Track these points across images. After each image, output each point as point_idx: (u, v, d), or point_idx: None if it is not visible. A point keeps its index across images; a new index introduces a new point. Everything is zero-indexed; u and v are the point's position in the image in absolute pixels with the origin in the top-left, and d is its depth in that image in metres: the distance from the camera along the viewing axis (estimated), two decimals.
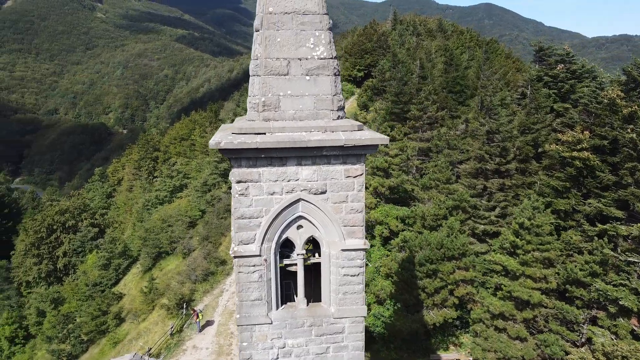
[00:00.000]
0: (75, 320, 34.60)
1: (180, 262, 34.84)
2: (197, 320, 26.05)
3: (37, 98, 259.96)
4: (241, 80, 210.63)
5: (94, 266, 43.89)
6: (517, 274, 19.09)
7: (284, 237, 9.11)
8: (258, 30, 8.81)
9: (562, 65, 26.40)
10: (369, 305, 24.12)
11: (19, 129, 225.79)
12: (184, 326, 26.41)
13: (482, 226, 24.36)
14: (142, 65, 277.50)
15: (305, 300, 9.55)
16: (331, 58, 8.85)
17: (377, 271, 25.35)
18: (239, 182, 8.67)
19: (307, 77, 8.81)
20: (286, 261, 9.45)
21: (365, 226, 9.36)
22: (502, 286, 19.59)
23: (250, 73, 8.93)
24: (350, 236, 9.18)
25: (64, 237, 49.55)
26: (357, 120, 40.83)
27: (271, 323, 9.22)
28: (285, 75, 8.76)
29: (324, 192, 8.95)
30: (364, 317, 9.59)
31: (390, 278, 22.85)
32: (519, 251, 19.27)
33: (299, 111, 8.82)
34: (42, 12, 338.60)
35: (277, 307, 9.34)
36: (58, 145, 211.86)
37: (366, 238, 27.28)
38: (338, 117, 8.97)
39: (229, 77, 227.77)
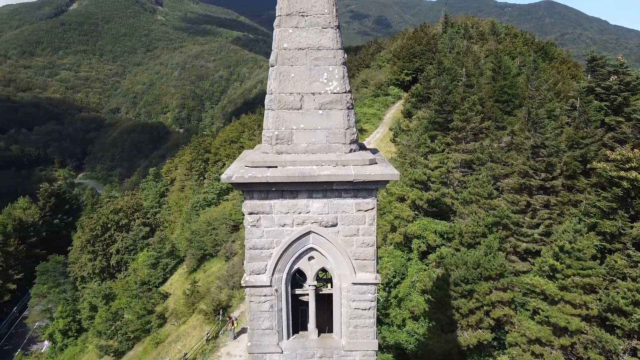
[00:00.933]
0: (123, 317, 36.31)
1: (223, 265, 35.75)
2: (233, 327, 26.61)
3: (101, 97, 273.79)
4: None
5: (143, 265, 45.84)
6: (556, 299, 18.28)
7: (295, 267, 9.20)
8: (273, 66, 8.94)
9: (616, 76, 24.95)
10: (403, 320, 23.85)
11: (83, 127, 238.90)
12: (220, 332, 27.11)
13: (525, 244, 23.48)
14: (199, 67, 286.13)
15: (317, 330, 9.59)
16: (344, 92, 8.86)
17: (413, 286, 25.01)
18: (250, 213, 8.84)
19: (320, 111, 8.86)
20: (298, 291, 9.53)
21: (376, 260, 9.28)
22: (540, 310, 18.82)
23: (265, 107, 9.07)
24: (362, 270, 9.13)
25: (118, 235, 51.95)
26: (400, 127, 40.43)
27: (282, 352, 9.33)
28: (298, 109, 8.84)
29: (334, 225, 8.96)
30: (375, 351, 9.50)
31: (425, 294, 22.49)
32: (558, 275, 18.43)
33: (312, 144, 8.88)
34: (106, 14, 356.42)
35: (288, 337, 9.44)
36: (119, 143, 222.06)
37: (404, 252, 26.85)
38: (350, 151, 8.95)
39: None
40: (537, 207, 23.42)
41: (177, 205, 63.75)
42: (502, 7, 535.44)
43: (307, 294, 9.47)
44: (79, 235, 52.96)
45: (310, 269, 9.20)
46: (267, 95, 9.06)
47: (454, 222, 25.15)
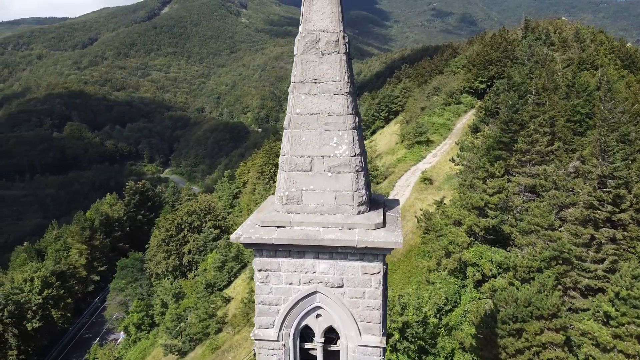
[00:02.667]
0: (187, 319, 38.40)
1: None
2: None
3: (187, 97, 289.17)
4: (367, 84, 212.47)
5: (211, 266, 48.07)
6: (609, 347, 16.96)
7: (303, 324, 9.41)
8: (286, 129, 9.20)
9: None
10: (452, 350, 23.24)
11: (171, 125, 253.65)
12: None
13: (587, 280, 21.97)
14: (279, 68, 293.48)
15: None
16: (353, 156, 8.93)
17: (464, 315, 24.25)
18: (260, 270, 9.17)
19: (329, 174, 8.99)
20: (307, 345, 9.73)
21: (383, 323, 9.26)
22: (591, 358, 17.55)
23: (279, 167, 9.36)
24: (367, 332, 9.17)
25: (190, 236, 54.83)
26: (467, 139, 39.14)
27: None
28: (308, 171, 9.04)
29: (340, 287, 9.07)
30: None
31: (473, 327, 21.73)
32: (612, 322, 17.08)
33: (320, 205, 9.05)
34: (194, 18, 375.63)
35: None
36: (203, 140, 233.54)
37: (458, 278, 26.34)
38: (358, 212, 9.01)
39: (356, 79, 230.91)
40: (602, 242, 21.81)
41: (248, 207, 65.98)
42: (597, 3, 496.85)
43: (316, 349, 9.66)
44: (155, 234, 56.53)
45: (317, 326, 9.38)
46: (280, 157, 9.35)
47: (511, 252, 24.05)
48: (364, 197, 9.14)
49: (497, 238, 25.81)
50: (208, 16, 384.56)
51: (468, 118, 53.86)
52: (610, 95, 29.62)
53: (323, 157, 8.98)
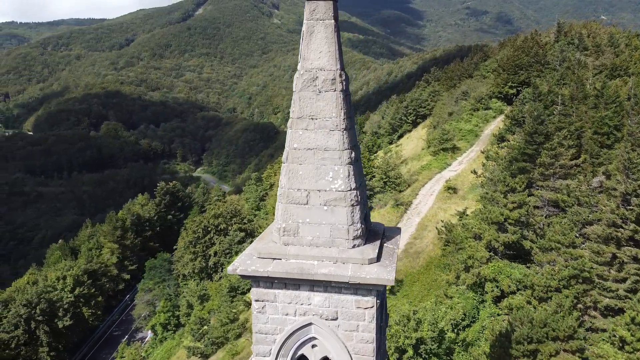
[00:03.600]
0: (210, 322, 39.16)
1: None
2: None
3: (219, 98, 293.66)
4: (398, 84, 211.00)
5: None
6: None
7: (299, 353, 9.60)
8: (284, 163, 9.41)
9: None
10: None
11: (203, 125, 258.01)
12: None
13: (607, 300, 21.39)
14: None
15: None
16: (348, 190, 9.06)
17: (482, 331, 23.96)
18: (257, 300, 9.42)
19: (325, 208, 9.16)
20: None
21: (376, 356, 9.35)
22: None
23: (277, 199, 9.58)
24: None
25: (216, 239, 55.77)
26: (492, 149, 38.54)
27: None
28: (305, 204, 9.23)
29: (335, 319, 9.23)
30: None
31: (488, 345, 21.46)
32: (627, 347, 16.61)
33: (316, 238, 9.22)
34: (227, 19, 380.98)
35: None
36: (234, 140, 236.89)
37: (477, 293, 26.09)
38: (353, 246, 9.14)
39: (387, 80, 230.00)
40: (625, 260, 21.19)
41: (274, 210, 66.57)
42: (637, 2, 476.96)
43: None
44: (183, 236, 57.78)
45: (313, 355, 9.55)
46: (278, 189, 9.58)
47: (531, 268, 23.62)
48: (359, 231, 9.26)
49: (518, 253, 25.38)
50: (240, 17, 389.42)
51: (496, 125, 52.99)
52: (638, 108, 28.60)
53: (319, 191, 9.16)
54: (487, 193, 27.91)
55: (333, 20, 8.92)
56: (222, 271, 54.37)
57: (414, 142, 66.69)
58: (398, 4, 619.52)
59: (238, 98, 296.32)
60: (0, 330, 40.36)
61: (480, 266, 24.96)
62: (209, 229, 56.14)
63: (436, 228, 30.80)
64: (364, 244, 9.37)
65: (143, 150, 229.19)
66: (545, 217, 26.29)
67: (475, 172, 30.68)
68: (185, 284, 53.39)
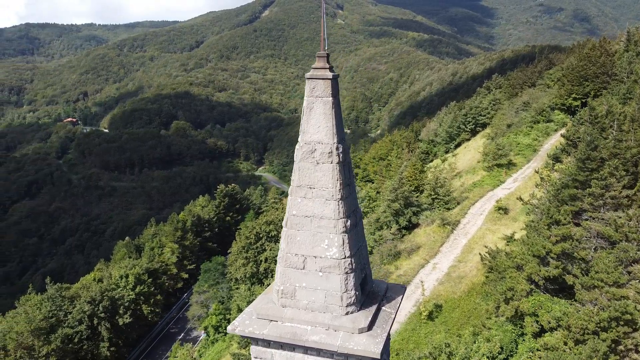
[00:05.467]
0: None
1: None
2: None
3: (282, 98, 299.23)
4: (462, 85, 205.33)
5: None
6: None
7: None
8: (284, 228, 9.87)
9: None
10: None
11: (266, 125, 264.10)
12: None
13: None
14: (371, 69, 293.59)
15: None
16: (343, 258, 9.36)
17: None
18: (255, 357, 9.96)
19: (320, 274, 9.52)
20: None
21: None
22: None
23: (277, 261, 10.07)
24: None
25: (267, 245, 57.28)
26: (544, 172, 36.95)
27: None
28: (301, 269, 9.64)
29: None
30: None
31: None
32: None
33: (312, 302, 9.60)
34: (292, 21, 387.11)
35: None
36: (294, 141, 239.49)
37: (516, 326, 25.68)
38: (346, 313, 9.43)
39: (450, 80, 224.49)
40: None
41: None
42: None
43: None
44: (237, 241, 59.76)
45: None
46: (279, 252, 10.06)
47: (573, 305, 22.57)
48: (353, 298, 9.53)
49: (561, 287, 24.33)
50: (305, 18, 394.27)
51: (557, 139, 50.64)
52: None
53: (315, 257, 9.54)
54: (532, 221, 26.91)
55: (331, 98, 9.25)
56: (272, 277, 55.77)
57: (471, 153, 64.97)
58: (467, 2, 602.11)
59: (299, 99, 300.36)
60: (66, 326, 43.75)
61: (520, 299, 24.19)
62: (261, 235, 57.69)
63: (479, 254, 30.08)
64: (358, 311, 9.63)
65: (209, 148, 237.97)
66: (594, 250, 24.96)
67: (521, 199, 29.65)
68: (237, 288, 55.22)
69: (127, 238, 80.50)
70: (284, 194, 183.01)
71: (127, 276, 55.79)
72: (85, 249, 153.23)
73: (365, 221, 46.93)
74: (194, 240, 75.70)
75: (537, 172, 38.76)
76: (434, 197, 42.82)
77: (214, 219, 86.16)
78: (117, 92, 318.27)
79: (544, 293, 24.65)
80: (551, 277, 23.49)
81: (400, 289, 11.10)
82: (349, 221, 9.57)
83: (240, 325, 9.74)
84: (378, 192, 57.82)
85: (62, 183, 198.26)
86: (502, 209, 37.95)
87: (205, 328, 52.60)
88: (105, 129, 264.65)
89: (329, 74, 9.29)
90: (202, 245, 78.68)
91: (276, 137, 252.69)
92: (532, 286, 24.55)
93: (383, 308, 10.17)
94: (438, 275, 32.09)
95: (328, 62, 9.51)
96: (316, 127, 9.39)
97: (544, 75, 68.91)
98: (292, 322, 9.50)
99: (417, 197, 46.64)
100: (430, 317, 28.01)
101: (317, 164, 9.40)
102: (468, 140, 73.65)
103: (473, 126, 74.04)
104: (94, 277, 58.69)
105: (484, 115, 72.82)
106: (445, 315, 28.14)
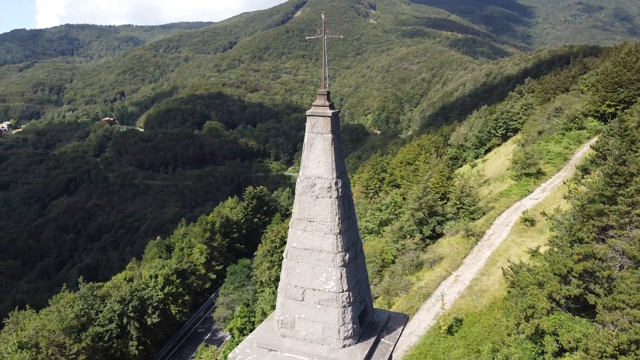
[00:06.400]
0: None
1: None
2: None
3: (312, 99, 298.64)
4: (497, 86, 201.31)
5: None
6: None
7: None
8: (284, 259, 10.12)
9: None
10: None
11: (295, 125, 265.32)
12: None
13: None
14: (402, 69, 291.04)
15: None
16: (340, 292, 9.54)
17: None
18: None
19: (319, 306, 9.72)
20: None
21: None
22: None
23: (278, 292, 10.32)
24: None
25: None
26: (571, 185, 36.05)
27: None
28: (301, 300, 9.87)
29: None
30: None
31: None
32: None
33: (310, 334, 9.81)
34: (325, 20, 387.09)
35: None
36: None
37: (537, 344, 25.45)
38: (344, 346, 9.60)
39: (484, 81, 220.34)
40: None
41: None
42: None
43: None
44: (262, 244, 60.53)
45: None
46: (279, 282, 10.31)
47: (594, 325, 21.99)
48: (350, 332, 9.69)
49: (584, 306, 23.71)
50: (337, 18, 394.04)
51: (588, 148, 49.28)
52: None
53: (314, 289, 9.74)
54: (556, 237, 26.34)
55: (331, 134, 9.44)
56: None
57: (501, 159, 63.79)
58: (503, 0, 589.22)
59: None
60: (96, 324, 45.31)
61: (541, 317, 23.73)
62: (286, 239, 58.12)
63: (502, 268, 29.63)
64: (355, 343, 9.78)
65: (240, 148, 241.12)
66: (619, 269, 24.24)
67: (544, 214, 28.97)
68: (262, 291, 55.92)
69: (158, 238, 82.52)
70: None
71: (156, 276, 57.25)
72: (120, 246, 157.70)
73: (388, 229, 46.89)
74: (222, 241, 76.91)
75: (565, 183, 37.89)
76: (459, 206, 42.34)
77: (242, 221, 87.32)
78: (153, 92, 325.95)
79: (566, 312, 24.12)
80: (572, 296, 22.96)
81: (402, 319, 11.20)
82: (348, 255, 9.73)
83: (241, 353, 10.04)
84: (404, 198, 57.49)
85: (98, 181, 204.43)
86: (528, 221, 37.21)
87: (231, 330, 53.49)
88: (141, 128, 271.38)
89: (329, 112, 9.49)
90: (230, 246, 79.83)
91: None
92: (553, 304, 24.05)
93: (382, 340, 10.30)
94: (460, 288, 31.78)
95: (328, 99, 9.72)
96: (316, 162, 9.59)
97: (578, 80, 66.98)
98: (290, 352, 9.75)
99: (442, 205, 46.23)
100: (450, 331, 27.78)
101: (317, 198, 9.60)
102: (499, 145, 72.34)
103: (504, 131, 72.67)
104: (125, 276, 60.46)
105: (516, 120, 71.37)
106: (465, 329, 27.86)
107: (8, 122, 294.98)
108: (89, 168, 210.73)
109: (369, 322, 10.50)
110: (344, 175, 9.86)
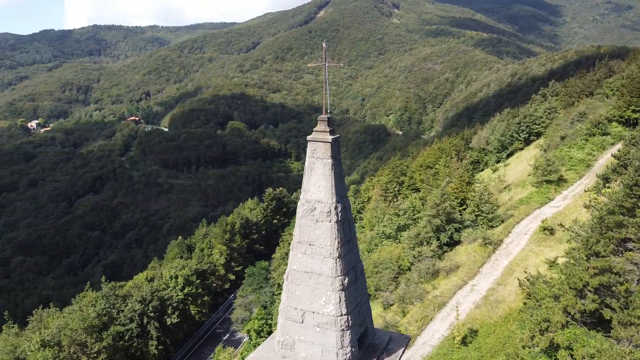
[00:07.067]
0: None
1: (382, 311, 37.30)
2: None
3: (334, 99, 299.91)
4: (522, 87, 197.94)
5: None
6: None
7: None
8: (285, 281, 10.31)
9: None
10: None
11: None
12: None
13: None
14: (426, 69, 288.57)
15: None
16: (339, 316, 9.67)
17: None
18: None
19: (318, 329, 9.87)
20: None
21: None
22: None
23: (279, 313, 10.50)
24: None
25: None
26: (591, 195, 35.29)
27: None
28: (300, 323, 10.03)
29: None
30: None
31: None
32: None
33: (310, 356, 9.97)
34: (346, 21, 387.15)
35: None
36: (344, 142, 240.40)
37: (551, 358, 25.37)
38: None
39: (509, 82, 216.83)
40: None
41: (370, 224, 67.34)
42: None
43: None
44: (280, 247, 60.96)
45: None
46: (280, 304, 10.49)
47: (608, 340, 21.56)
48: (348, 355, 9.79)
49: (600, 320, 23.25)
50: (360, 18, 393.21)
51: (608, 156, 48.23)
52: None
53: (313, 312, 9.90)
54: (573, 249, 25.88)
55: (331, 159, 9.58)
56: None
57: (523, 164, 62.84)
58: None
59: (351, 100, 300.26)
60: (117, 323, 46.35)
61: (556, 331, 23.38)
62: None
63: (518, 279, 29.26)
64: None
65: (261, 148, 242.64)
66: (637, 283, 23.69)
67: (562, 226, 28.47)
68: (279, 293, 56.27)
69: (179, 237, 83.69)
70: None
71: (176, 277, 58.18)
72: (144, 243, 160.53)
73: (405, 234, 46.71)
74: (241, 242, 77.65)
75: (586, 191, 37.16)
76: (477, 213, 41.91)
77: (262, 222, 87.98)
78: (178, 92, 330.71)
79: (581, 326, 23.70)
80: (587, 311, 22.55)
81: (404, 340, 11.26)
82: (347, 278, 9.85)
83: None
84: (424, 202, 57.15)
85: (124, 179, 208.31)
86: (547, 230, 36.60)
87: (248, 331, 53.95)
88: (165, 127, 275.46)
89: (329, 138, 9.63)
90: (250, 247, 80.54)
91: None
92: (569, 318, 23.66)
93: None
94: (475, 298, 31.50)
95: (329, 125, 9.85)
96: (316, 186, 9.74)
97: (603, 84, 65.42)
98: None
99: (461, 211, 45.83)
100: (464, 342, 27.58)
101: (317, 221, 9.75)
102: (521, 149, 71.28)
103: (527, 135, 71.56)
104: (146, 275, 61.60)
105: (539, 124, 70.20)
106: (479, 340, 27.64)
107: (37, 121, 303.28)
108: (115, 167, 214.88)
109: (369, 344, 10.60)
110: (344, 199, 9.98)
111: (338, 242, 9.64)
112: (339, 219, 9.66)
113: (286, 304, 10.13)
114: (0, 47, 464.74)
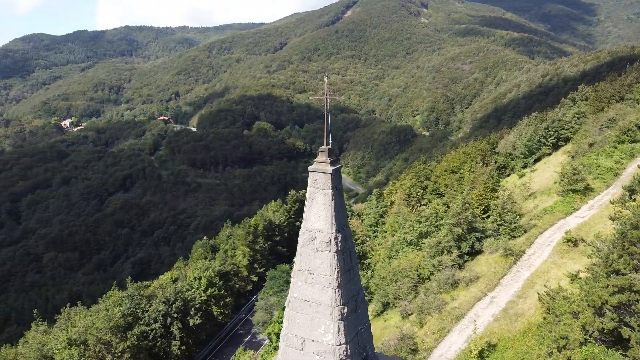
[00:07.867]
0: None
1: (399, 320, 37.19)
2: None
3: (360, 100, 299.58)
4: (553, 88, 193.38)
5: None
6: None
7: None
8: (286, 308, 10.53)
9: None
10: None
11: (342, 126, 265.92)
12: None
13: None
14: (454, 69, 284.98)
15: None
16: (338, 345, 9.83)
17: None
18: None
19: (317, 357, 10.05)
20: None
21: None
22: None
23: (280, 339, 10.73)
24: None
25: None
26: (615, 207, 34.32)
27: None
28: (300, 350, 10.24)
29: None
30: None
31: None
32: None
33: None
34: (374, 21, 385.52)
35: None
36: (370, 142, 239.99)
37: None
38: None
39: (540, 83, 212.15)
40: None
41: (392, 229, 67.11)
42: None
43: None
44: None
45: None
46: (282, 330, 10.72)
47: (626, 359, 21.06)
48: None
49: (618, 339, 22.69)
50: (387, 18, 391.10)
51: (630, 174, 46.88)
52: None
53: (313, 340, 10.09)
54: (594, 264, 25.33)
55: (331, 190, 9.75)
56: None
57: (550, 170, 61.56)
58: None
59: (378, 100, 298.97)
60: (142, 323, 47.48)
61: (574, 349, 22.95)
62: None
63: (537, 293, 28.79)
64: None
65: (287, 148, 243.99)
66: None
67: (584, 241, 27.80)
68: None
69: (204, 238, 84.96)
70: (357, 196, 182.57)
71: (199, 278, 59.15)
72: (171, 241, 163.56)
73: (427, 241, 46.41)
74: (264, 244, 78.33)
75: (612, 203, 36.21)
76: (499, 222, 41.34)
77: (285, 224, 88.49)
78: (206, 93, 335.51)
79: (599, 344, 23.21)
80: (606, 329, 22.08)
81: None
82: (347, 308, 10.01)
83: None
84: (447, 208, 56.65)
85: (153, 178, 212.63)
86: (571, 241, 35.80)
87: (269, 334, 54.50)
88: (193, 127, 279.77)
89: (329, 169, 9.80)
90: (272, 249, 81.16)
91: (352, 139, 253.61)
92: (587, 336, 23.19)
93: None
94: (494, 311, 31.13)
95: (330, 156, 10.01)
96: (317, 216, 9.93)
97: (634, 88, 63.48)
98: None
99: (483, 219, 45.27)
100: (481, 355, 27.33)
101: (317, 251, 9.94)
102: (549, 155, 69.82)
103: (554, 140, 70.04)
104: (171, 275, 62.85)
105: (567, 129, 68.62)
106: (496, 355, 27.34)
107: (70, 120, 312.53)
108: (145, 166, 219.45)
109: None
110: (344, 229, 10.14)
111: (337, 272, 9.81)
112: (339, 248, 9.82)
113: (287, 331, 10.35)
114: (35, 47, 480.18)
